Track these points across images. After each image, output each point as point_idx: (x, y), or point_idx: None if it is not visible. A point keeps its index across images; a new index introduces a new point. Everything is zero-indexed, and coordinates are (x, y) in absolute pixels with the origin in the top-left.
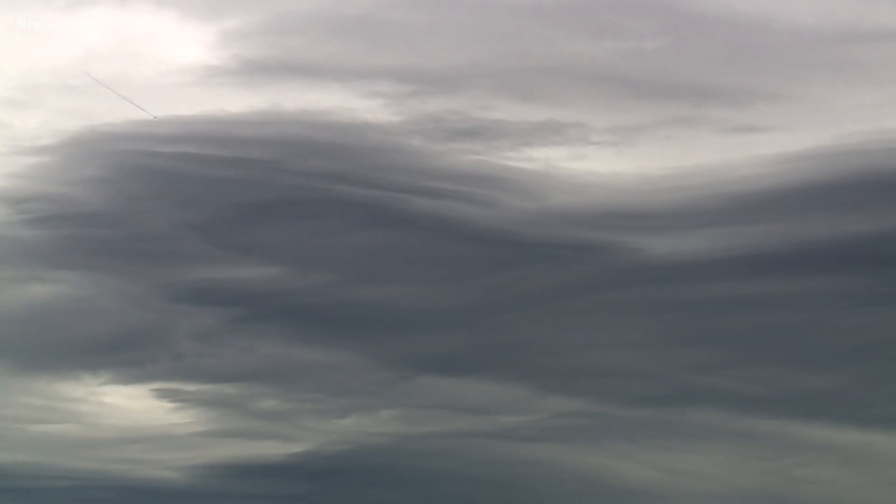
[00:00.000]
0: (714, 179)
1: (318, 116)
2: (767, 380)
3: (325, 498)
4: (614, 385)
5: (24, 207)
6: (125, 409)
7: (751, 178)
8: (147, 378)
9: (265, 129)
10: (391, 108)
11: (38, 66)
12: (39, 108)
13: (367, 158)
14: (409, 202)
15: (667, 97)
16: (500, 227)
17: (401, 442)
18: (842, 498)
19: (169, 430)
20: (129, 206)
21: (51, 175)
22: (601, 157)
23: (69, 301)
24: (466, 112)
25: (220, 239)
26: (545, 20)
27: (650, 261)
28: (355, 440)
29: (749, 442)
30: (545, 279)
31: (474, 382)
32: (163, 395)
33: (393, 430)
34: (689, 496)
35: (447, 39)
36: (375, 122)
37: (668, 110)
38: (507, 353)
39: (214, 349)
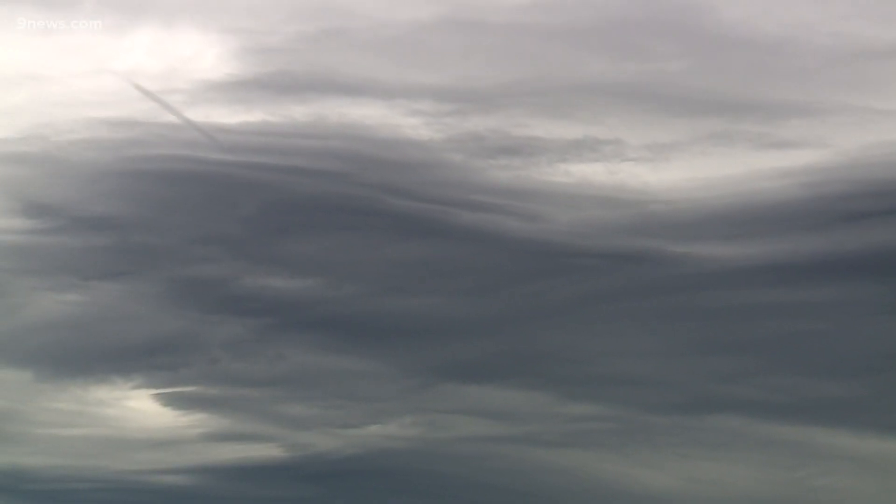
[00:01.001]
0: (742, 191)
1: (361, 131)
2: (789, 388)
3: (347, 502)
4: (637, 393)
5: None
6: (153, 413)
7: (778, 190)
8: (178, 383)
9: (308, 142)
10: (432, 125)
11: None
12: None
13: (408, 173)
14: (447, 215)
15: (701, 114)
16: (533, 238)
17: (422, 447)
18: None
19: (193, 433)
20: (164, 215)
21: (87, 184)
22: (636, 172)
23: (103, 309)
24: (505, 130)
25: (255, 250)
26: (574, 42)
27: (676, 270)
28: (377, 445)
29: (771, 450)
30: (573, 288)
31: (497, 390)
32: (189, 399)
33: (414, 436)
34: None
35: (484, 61)
36: (417, 139)
37: (702, 126)
38: (531, 362)
39: (244, 357)
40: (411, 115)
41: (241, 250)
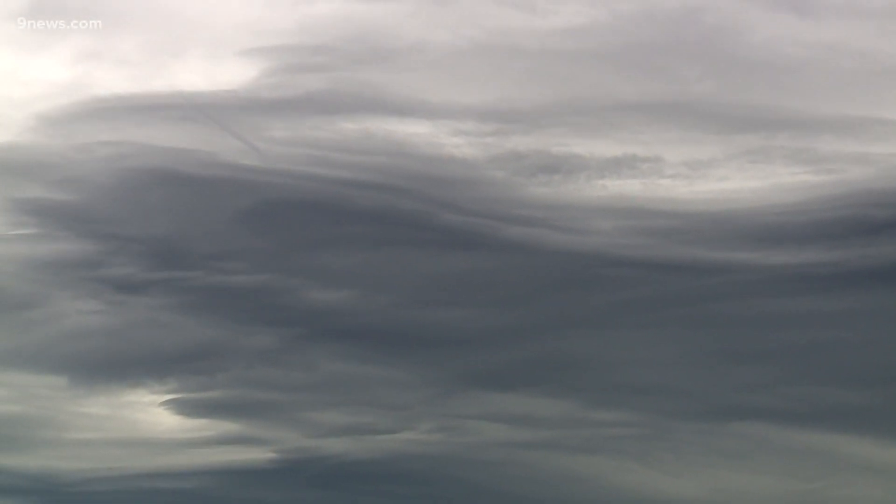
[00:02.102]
0: (772, 203)
1: (406, 148)
2: (812, 397)
3: None
4: (661, 401)
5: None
6: (183, 418)
7: (808, 202)
8: (210, 388)
9: (353, 157)
10: (475, 145)
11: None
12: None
13: (450, 188)
14: (485, 228)
15: (737, 131)
16: (567, 250)
17: (445, 453)
18: None
19: (221, 437)
20: (200, 227)
21: (128, 196)
22: (673, 188)
23: (139, 320)
24: (545, 149)
25: (294, 262)
26: (607, 65)
27: (704, 281)
28: (402, 450)
29: (793, 459)
30: (603, 299)
31: (522, 397)
32: (219, 405)
33: (438, 441)
34: None
35: (523, 83)
36: (461, 157)
37: (738, 143)
38: (557, 370)
39: (276, 365)
40: (455, 135)
41: (280, 262)
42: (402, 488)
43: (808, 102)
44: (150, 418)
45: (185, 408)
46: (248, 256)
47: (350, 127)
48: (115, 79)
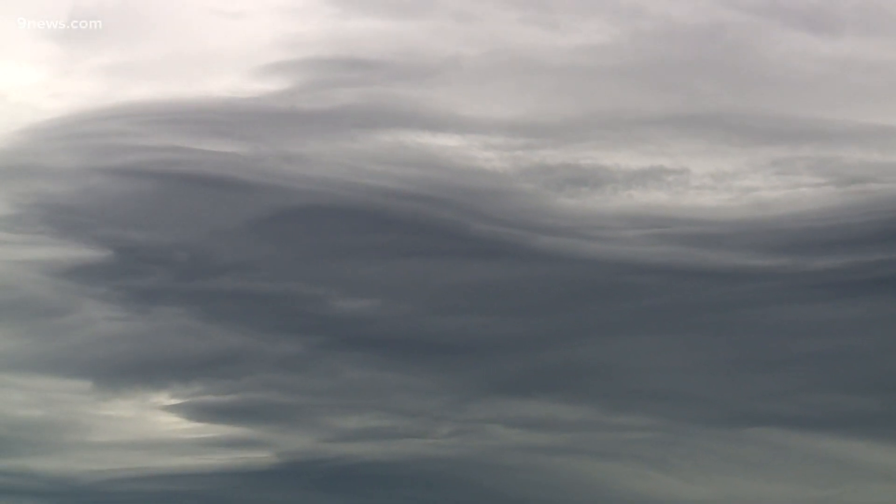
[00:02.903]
0: (794, 211)
1: (438, 161)
2: (831, 404)
3: None
4: (679, 407)
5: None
6: (207, 420)
7: (833, 210)
8: (234, 392)
9: (386, 168)
10: (505, 158)
11: None
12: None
13: (480, 200)
14: (512, 238)
15: (763, 143)
16: (592, 258)
17: (462, 458)
18: None
19: (243, 439)
20: (228, 234)
21: (156, 203)
22: (699, 198)
23: (165, 327)
24: (572, 162)
25: (321, 271)
26: (630, 81)
27: (726, 289)
28: (416, 454)
29: (811, 465)
30: (625, 306)
31: (541, 403)
32: (243, 409)
33: (455, 446)
34: None
35: (552, 98)
36: (491, 169)
37: (764, 155)
38: (577, 376)
39: (298, 371)
40: (486, 149)
41: (308, 270)
42: (419, 492)
43: (829, 114)
44: (172, 421)
45: (206, 411)
46: (275, 264)
47: (384, 139)
48: (147, 89)
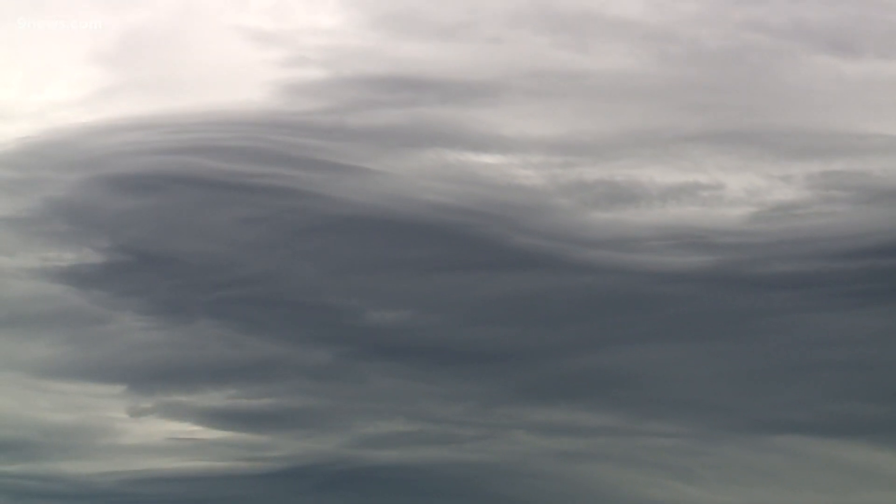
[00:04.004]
0: (820, 223)
1: (479, 178)
2: (856, 412)
3: None
4: (704, 415)
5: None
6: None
7: (860, 222)
8: (265, 396)
9: (427, 183)
10: (544, 175)
11: None
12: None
13: (518, 214)
14: (548, 251)
15: (796, 158)
16: (624, 269)
17: (478, 463)
18: None
19: (269, 442)
20: (264, 245)
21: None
22: (730, 213)
23: (198, 336)
24: (608, 178)
25: (358, 286)
26: (660, 99)
27: (753, 298)
28: (440, 459)
29: (836, 474)
30: (654, 316)
31: (566, 411)
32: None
33: (476, 450)
34: None
35: (587, 117)
36: (529, 186)
37: (799, 168)
38: (603, 384)
39: (327, 379)
40: (525, 167)
41: (344, 282)
42: (443, 495)
43: (856, 130)
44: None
45: (237, 416)
46: (312, 276)
47: (428, 157)
48: (191, 102)
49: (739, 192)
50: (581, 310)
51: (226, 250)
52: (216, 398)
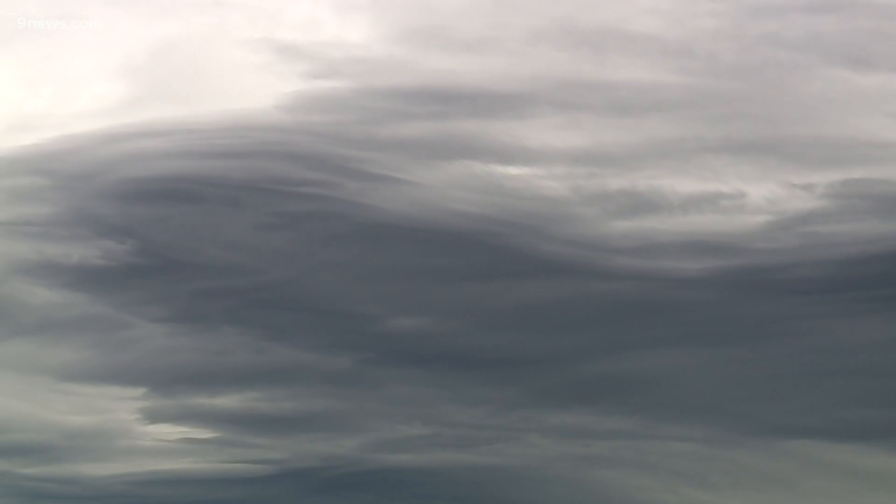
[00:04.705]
0: (844, 231)
1: (504, 189)
2: (871, 419)
3: None
4: (720, 421)
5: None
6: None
7: (882, 231)
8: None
9: (451, 192)
10: (567, 186)
11: None
12: None
13: (541, 224)
14: (570, 259)
15: (817, 168)
16: (642, 275)
17: (496, 466)
18: None
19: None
20: (287, 254)
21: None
22: (751, 222)
23: (220, 343)
24: (630, 188)
25: (382, 293)
26: (680, 111)
27: (772, 306)
28: (454, 462)
29: (851, 479)
30: (672, 321)
31: (580, 416)
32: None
33: (490, 454)
34: None
35: (610, 129)
36: (553, 196)
37: (820, 177)
38: (619, 390)
39: (346, 384)
40: (549, 178)
41: (368, 290)
42: (455, 499)
43: (874, 140)
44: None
45: (254, 420)
46: (337, 284)
47: (455, 167)
48: (203, 111)
49: (760, 200)
50: (599, 316)
51: (250, 257)
52: (236, 401)
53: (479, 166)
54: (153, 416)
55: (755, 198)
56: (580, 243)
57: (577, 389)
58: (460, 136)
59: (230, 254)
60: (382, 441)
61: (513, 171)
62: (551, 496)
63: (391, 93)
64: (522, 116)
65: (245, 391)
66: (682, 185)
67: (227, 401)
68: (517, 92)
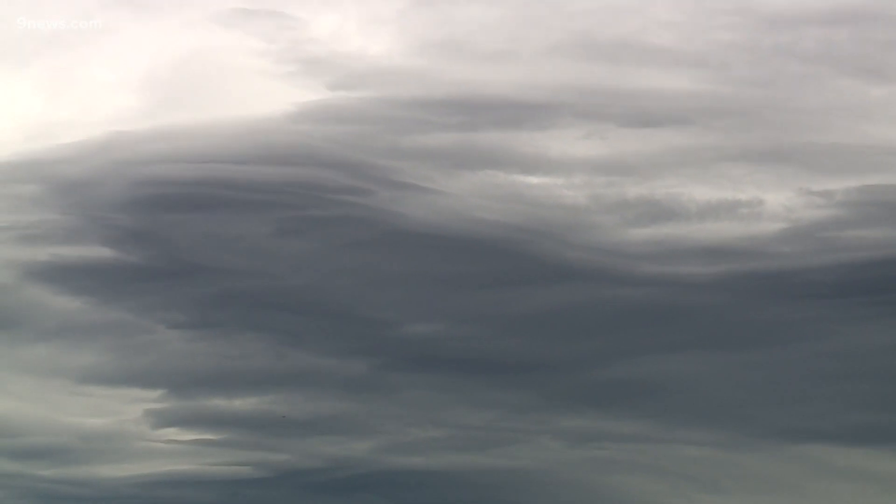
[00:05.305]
0: (860, 237)
1: (525, 197)
2: (885, 422)
3: None
4: (733, 425)
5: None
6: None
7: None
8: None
9: (473, 201)
10: (587, 195)
11: None
12: None
13: (560, 231)
14: (588, 265)
15: (836, 176)
16: (658, 280)
17: (504, 468)
18: None
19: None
20: (318, 265)
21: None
22: (769, 230)
23: (238, 350)
24: (648, 196)
25: (398, 296)
26: (696, 123)
27: (786, 308)
28: (465, 465)
29: (863, 483)
30: (685, 330)
31: (590, 419)
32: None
33: (501, 456)
34: None
35: (628, 139)
36: (573, 205)
37: (838, 184)
38: (631, 395)
39: (361, 388)
40: (568, 189)
41: (387, 296)
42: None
43: (888, 147)
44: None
45: (270, 423)
46: (357, 290)
47: (479, 176)
48: (226, 117)
49: (777, 207)
50: (614, 321)
51: (270, 262)
52: (252, 404)
53: (501, 176)
54: (169, 419)
55: (772, 205)
56: (598, 250)
57: (590, 393)
58: (484, 146)
59: (250, 259)
60: (395, 444)
61: (534, 180)
62: (562, 499)
63: (415, 103)
64: (544, 127)
65: (262, 395)
66: (700, 193)
67: (243, 403)
68: (539, 103)
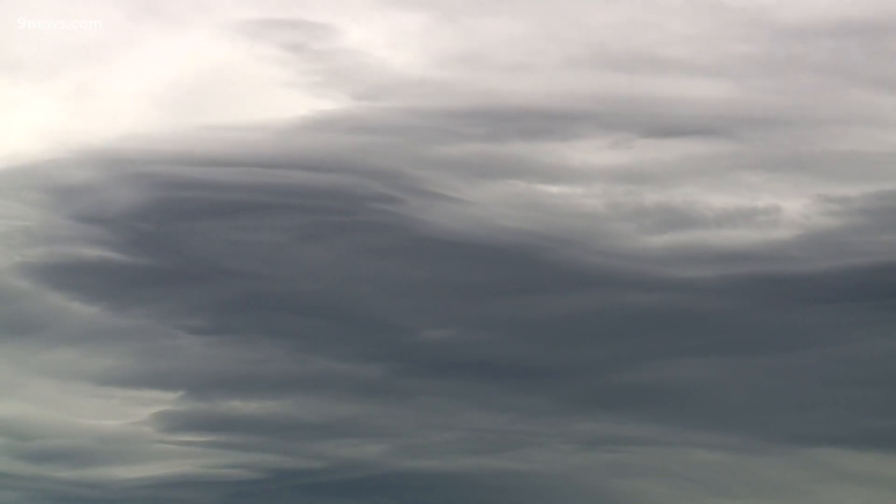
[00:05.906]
0: (875, 242)
1: (545, 206)
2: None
3: None
4: (743, 431)
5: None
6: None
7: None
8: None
9: (496, 209)
10: (607, 204)
11: None
12: None
13: (579, 238)
14: (605, 272)
15: (853, 182)
16: (675, 286)
17: (517, 472)
18: None
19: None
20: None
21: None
22: (786, 236)
23: (252, 354)
24: (666, 204)
25: (420, 306)
26: (707, 131)
27: (799, 313)
28: (479, 467)
29: (877, 488)
30: (699, 334)
31: (604, 423)
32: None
33: (514, 459)
34: None
35: (646, 147)
36: (592, 213)
37: (855, 190)
38: (644, 399)
39: (377, 393)
40: (589, 198)
41: (406, 302)
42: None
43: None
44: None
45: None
46: (377, 296)
47: (500, 185)
48: (250, 122)
49: (793, 214)
50: (628, 326)
51: (291, 268)
52: (271, 408)
53: (523, 185)
54: (186, 422)
55: (789, 211)
56: (616, 256)
57: (604, 398)
58: (506, 156)
59: (270, 264)
60: (409, 446)
61: (554, 189)
62: (574, 501)
63: (439, 114)
64: (565, 137)
65: (279, 399)
66: (718, 200)
67: (260, 407)
68: (560, 114)
